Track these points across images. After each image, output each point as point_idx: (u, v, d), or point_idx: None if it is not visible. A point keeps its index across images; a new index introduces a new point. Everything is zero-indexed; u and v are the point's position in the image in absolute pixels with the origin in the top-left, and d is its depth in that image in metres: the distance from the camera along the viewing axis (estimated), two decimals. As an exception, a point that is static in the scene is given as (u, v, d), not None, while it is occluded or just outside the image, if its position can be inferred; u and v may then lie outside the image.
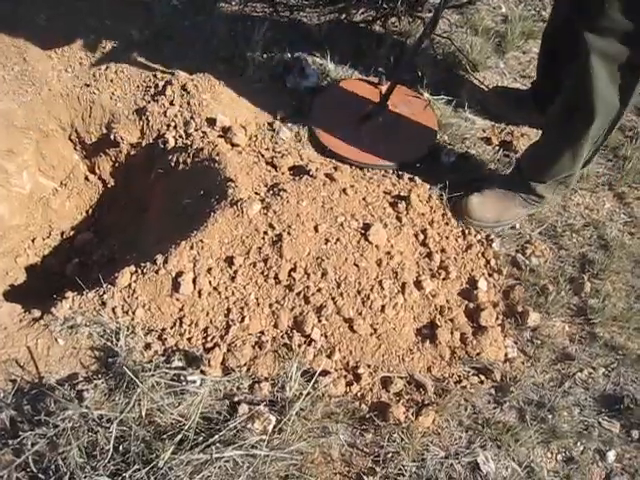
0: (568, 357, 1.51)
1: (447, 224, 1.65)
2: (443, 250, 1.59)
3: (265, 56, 2.07)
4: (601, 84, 1.38)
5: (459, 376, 1.44)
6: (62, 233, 2.03)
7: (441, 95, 2.01)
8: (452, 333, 1.47)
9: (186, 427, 1.24)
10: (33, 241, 1.98)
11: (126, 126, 1.90)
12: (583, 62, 1.37)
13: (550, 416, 1.39)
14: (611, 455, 1.36)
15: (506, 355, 1.49)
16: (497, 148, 1.93)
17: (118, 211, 2.00)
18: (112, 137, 1.91)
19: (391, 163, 1.81)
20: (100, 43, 2.08)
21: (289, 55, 2.09)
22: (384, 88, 1.87)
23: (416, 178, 1.76)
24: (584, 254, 1.71)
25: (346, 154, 1.79)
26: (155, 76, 2.00)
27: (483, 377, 1.45)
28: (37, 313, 1.45)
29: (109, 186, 2.04)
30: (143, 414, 1.27)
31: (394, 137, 1.84)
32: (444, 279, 1.54)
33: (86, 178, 2.07)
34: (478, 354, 1.45)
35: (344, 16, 2.25)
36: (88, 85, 1.98)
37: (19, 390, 1.34)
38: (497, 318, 1.53)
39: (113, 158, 1.98)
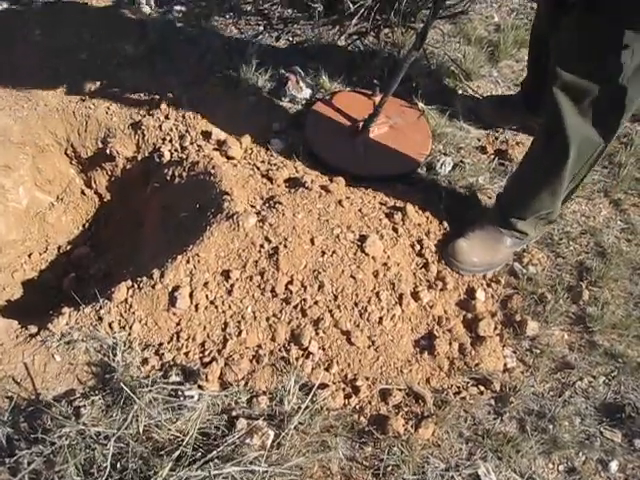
0: (568, 366, 1.50)
1: (444, 234, 1.65)
2: (440, 260, 1.58)
3: (259, 69, 2.07)
4: (570, 118, 1.33)
5: (458, 387, 1.43)
6: (59, 247, 2.02)
7: (436, 105, 2.01)
8: (450, 344, 1.46)
9: (184, 443, 1.23)
10: (30, 256, 1.98)
11: (122, 140, 1.91)
12: (550, 93, 1.34)
13: (551, 426, 1.38)
14: (614, 465, 1.35)
15: (505, 365, 1.48)
16: (492, 157, 1.93)
17: (114, 225, 2.00)
18: (108, 151, 1.92)
19: (386, 174, 1.81)
20: (95, 58, 2.09)
21: (283, 68, 2.10)
22: (378, 99, 1.87)
23: (412, 188, 1.76)
24: (581, 262, 1.70)
25: (340, 166, 1.79)
26: (150, 90, 2.01)
27: (482, 388, 1.44)
28: (34, 329, 1.45)
29: (105, 200, 2.04)
30: (141, 430, 1.26)
31: (388, 148, 1.85)
32: (441, 290, 1.53)
33: (82, 192, 2.07)
34: (477, 364, 1.45)
35: (338, 28, 2.26)
36: (84, 100, 1.98)
37: (16, 407, 1.33)
38: (495, 328, 1.52)
39: (109, 172, 1.99)
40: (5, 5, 2.35)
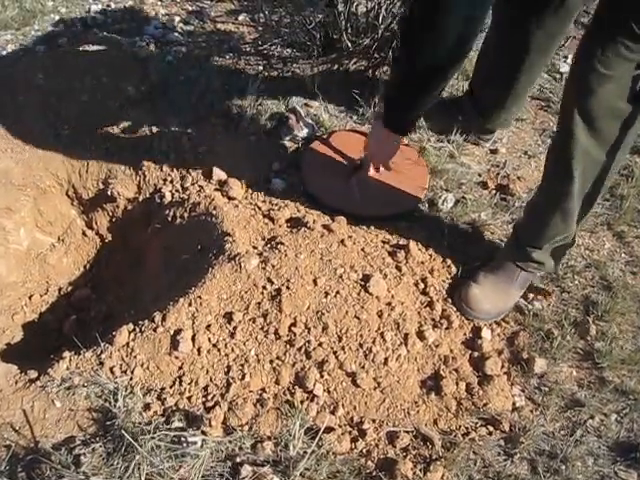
0: (578, 404, 1.47)
1: (447, 272, 1.64)
2: (445, 299, 1.57)
3: (259, 108, 2.09)
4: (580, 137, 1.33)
5: (467, 428, 1.40)
6: (59, 289, 2.01)
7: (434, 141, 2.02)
8: (457, 384, 1.43)
9: (187, 493, 1.20)
10: (30, 298, 1.96)
11: (123, 181, 1.91)
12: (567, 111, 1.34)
13: (563, 467, 1.35)
14: (629, 507, 1.32)
15: (514, 404, 1.45)
16: (494, 192, 1.93)
17: (115, 266, 1.98)
18: (109, 192, 1.92)
19: (385, 214, 1.80)
20: (97, 100, 2.11)
21: (283, 107, 2.11)
22: None
23: (414, 225, 1.76)
24: (587, 296, 1.69)
25: (338, 206, 1.78)
26: (151, 131, 2.02)
27: (491, 428, 1.40)
28: (33, 374, 1.43)
29: (106, 241, 2.03)
30: (143, 479, 1.23)
31: (386, 187, 1.83)
32: (447, 328, 1.51)
33: (83, 233, 2.06)
34: (485, 404, 1.42)
35: (336, 67, 2.28)
36: (85, 141, 1.99)
37: (14, 456, 1.30)
38: (502, 366, 1.49)
39: (110, 213, 1.98)
40: (9, 50, 2.39)
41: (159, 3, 2.74)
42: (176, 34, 2.50)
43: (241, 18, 2.61)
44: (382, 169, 1.86)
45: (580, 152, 1.35)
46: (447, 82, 1.47)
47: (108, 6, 2.68)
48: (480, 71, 2.00)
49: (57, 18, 2.59)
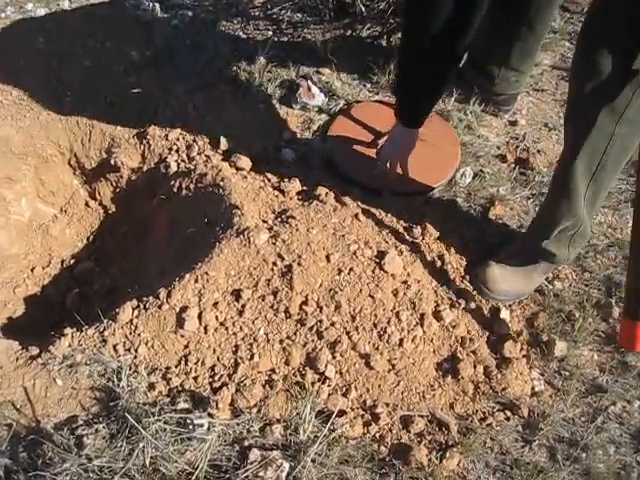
0: (599, 389, 1.42)
1: (465, 249, 1.57)
2: (462, 277, 1.50)
3: (269, 75, 2.00)
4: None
5: (484, 413, 1.35)
6: (62, 261, 1.96)
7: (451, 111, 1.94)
8: (475, 367, 1.38)
9: (193, 477, 1.16)
10: (32, 270, 1.91)
11: (127, 150, 1.84)
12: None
13: (584, 455, 1.30)
14: (651, 497, 1.27)
15: (533, 389, 1.40)
16: (513, 166, 1.85)
17: (119, 238, 1.93)
18: (112, 162, 1.85)
19: (415, 190, 1.73)
20: (100, 65, 2.03)
21: (294, 74, 2.03)
22: None
23: (431, 200, 1.69)
24: (610, 276, 1.62)
25: (367, 183, 1.71)
26: (156, 98, 1.94)
27: (509, 413, 1.36)
28: (35, 350, 1.38)
29: (110, 212, 1.97)
30: (147, 463, 1.18)
31: (416, 161, 1.74)
32: (464, 308, 1.45)
33: (86, 204, 2.00)
34: (503, 388, 1.37)
35: (350, 32, 2.19)
36: (87, 108, 1.91)
37: (15, 436, 1.26)
38: (521, 349, 1.44)
39: (114, 183, 1.92)
40: (9, 13, 2.30)
41: (164, -36, 2.63)
42: (182, -3, 2.40)
43: (250, -20, 2.50)
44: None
45: (584, 119, 1.27)
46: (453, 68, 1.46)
47: (111, -33, 2.57)
48: (477, 29, 1.91)
49: (58, -21, 2.49)
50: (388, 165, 1.71)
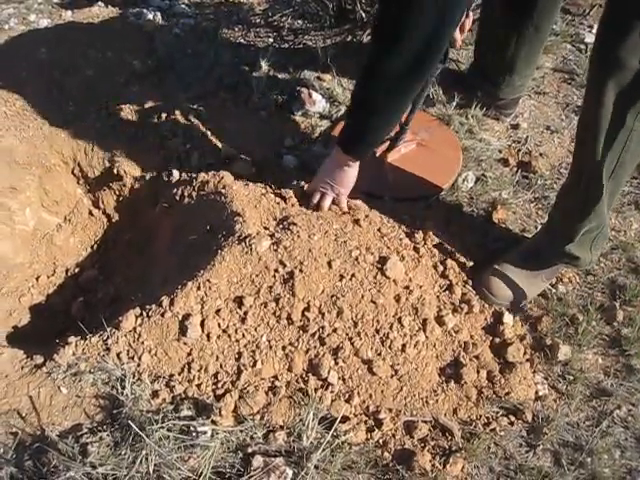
0: (604, 393, 1.41)
1: (467, 253, 1.57)
2: (465, 282, 1.50)
3: (270, 82, 2.01)
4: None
5: (487, 418, 1.34)
6: (67, 270, 1.97)
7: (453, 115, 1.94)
8: (478, 371, 1.37)
9: (197, 485, 1.16)
10: (37, 279, 1.92)
11: (129, 159, 1.85)
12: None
13: (589, 459, 1.29)
14: (658, 502, 1.26)
15: (537, 393, 1.39)
16: (515, 169, 1.85)
17: (123, 246, 1.93)
18: (115, 171, 1.86)
19: (419, 195, 1.72)
20: (102, 74, 2.04)
21: (295, 81, 2.03)
22: (404, 116, 1.78)
23: (433, 205, 1.69)
24: (614, 279, 1.62)
25: (369, 190, 1.69)
26: (158, 106, 1.95)
27: (513, 418, 1.35)
28: (39, 359, 1.38)
29: (113, 221, 1.98)
30: (151, 470, 1.18)
31: (418, 168, 1.74)
32: (467, 313, 1.45)
33: (90, 213, 2.01)
34: (507, 393, 1.36)
35: (350, 38, 2.19)
36: (90, 118, 1.93)
37: (20, 444, 1.26)
38: (525, 353, 1.43)
39: (117, 192, 1.92)
40: (12, 25, 2.32)
41: (165, -27, 2.65)
42: (183, 6, 2.42)
43: (251, -12, 2.52)
44: (413, 148, 1.77)
45: (612, 119, 1.25)
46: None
47: (113, -23, 2.59)
48: (483, 36, 1.91)
49: (61, -10, 2.51)
50: (314, 200, 1.57)
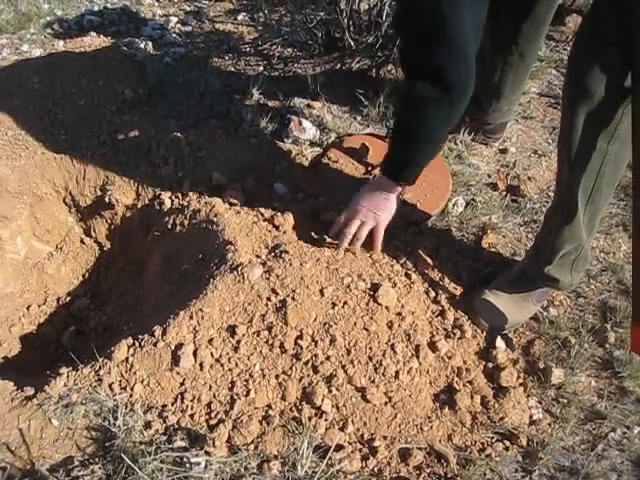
0: (598, 415, 1.41)
1: (459, 278, 1.57)
2: (457, 307, 1.51)
3: (260, 110, 2.03)
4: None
5: (482, 443, 1.33)
6: (58, 299, 1.96)
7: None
8: (472, 397, 1.37)
9: (191, 518, 1.14)
10: (28, 309, 1.91)
11: (121, 187, 1.85)
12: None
13: (585, 484, 1.29)
14: (655, 526, 1.25)
15: (531, 417, 1.38)
16: (504, 193, 1.87)
17: (115, 275, 1.93)
18: (107, 199, 1.86)
19: (409, 220, 1.73)
20: (94, 104, 2.05)
21: (285, 108, 2.05)
22: None
23: (423, 231, 1.69)
24: (604, 301, 1.62)
25: None
26: (149, 135, 1.96)
27: (508, 443, 1.34)
28: (30, 391, 1.37)
29: (105, 249, 1.97)
30: (144, 504, 1.17)
31: (408, 193, 1.75)
32: (459, 338, 1.45)
33: (82, 241, 2.01)
34: (501, 418, 1.36)
35: (339, 66, 2.22)
36: (82, 147, 1.93)
37: (9, 479, 1.24)
38: (518, 377, 1.43)
39: (109, 220, 1.93)
40: (5, 55, 2.34)
41: (156, 4, 2.69)
42: (174, 35, 2.45)
43: (240, 18, 2.56)
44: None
45: (582, 143, 1.28)
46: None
47: (105, 8, 2.62)
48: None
49: (53, 21, 2.54)
50: (352, 229, 1.53)
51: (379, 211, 1.51)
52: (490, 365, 1.44)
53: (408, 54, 1.34)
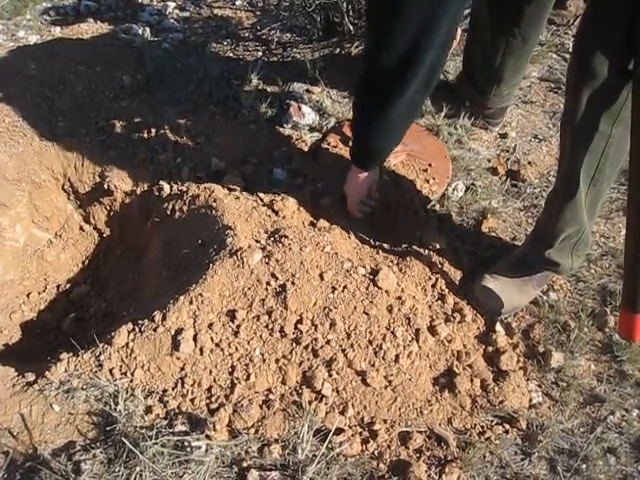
0: (597, 399, 1.41)
1: (459, 263, 1.57)
2: (457, 291, 1.51)
3: (259, 96, 2.02)
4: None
5: (482, 427, 1.34)
6: (58, 286, 1.95)
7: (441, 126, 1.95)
8: (472, 380, 1.38)
9: (192, 501, 1.15)
10: (28, 296, 1.91)
11: (119, 174, 1.84)
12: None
13: (584, 466, 1.29)
14: (653, 507, 1.26)
15: (530, 400, 1.39)
16: (504, 178, 1.86)
17: (114, 262, 1.93)
18: (106, 186, 1.85)
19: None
20: (92, 90, 2.04)
21: (284, 93, 2.04)
22: None
23: (423, 215, 1.69)
24: (604, 285, 1.63)
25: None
26: (148, 121, 1.95)
27: (508, 426, 1.35)
28: (31, 377, 1.37)
29: (105, 236, 1.97)
30: (145, 487, 1.18)
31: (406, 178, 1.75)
32: (459, 322, 1.45)
33: (81, 228, 2.00)
34: (501, 402, 1.36)
35: (338, 51, 2.21)
36: (80, 133, 1.93)
37: (12, 463, 1.25)
38: (518, 361, 1.44)
39: (108, 207, 1.92)
40: (1, 41, 2.32)
41: (154, -11, 2.66)
42: (172, 21, 2.43)
43: (238, 3, 2.53)
44: (403, 159, 1.78)
45: (585, 124, 1.28)
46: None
47: (102, -7, 2.60)
48: (471, 46, 1.93)
49: (49, 7, 2.51)
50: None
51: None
52: (490, 349, 1.45)
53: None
